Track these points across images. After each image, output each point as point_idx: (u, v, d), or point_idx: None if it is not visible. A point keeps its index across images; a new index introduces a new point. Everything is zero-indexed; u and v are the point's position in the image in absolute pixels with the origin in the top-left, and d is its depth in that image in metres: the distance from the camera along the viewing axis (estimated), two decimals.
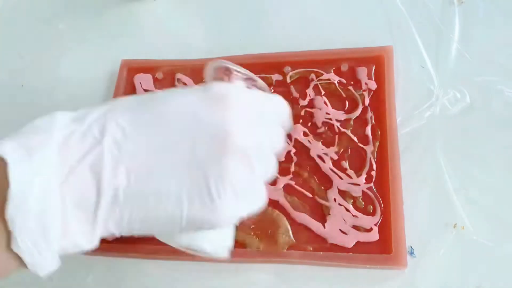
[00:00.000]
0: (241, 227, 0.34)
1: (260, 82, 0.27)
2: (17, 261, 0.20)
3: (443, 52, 0.39)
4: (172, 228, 0.22)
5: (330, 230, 0.33)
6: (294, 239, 0.34)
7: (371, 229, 0.33)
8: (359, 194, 0.34)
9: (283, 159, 0.37)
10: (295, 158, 0.37)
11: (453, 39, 0.39)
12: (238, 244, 0.34)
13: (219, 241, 0.26)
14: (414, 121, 0.37)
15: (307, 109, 0.38)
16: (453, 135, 0.36)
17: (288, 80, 0.40)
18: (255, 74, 0.27)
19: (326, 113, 0.38)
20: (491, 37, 0.39)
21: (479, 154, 0.35)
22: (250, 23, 0.46)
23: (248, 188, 0.23)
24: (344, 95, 0.38)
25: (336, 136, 0.37)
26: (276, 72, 0.40)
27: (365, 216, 0.33)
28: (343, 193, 0.35)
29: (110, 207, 0.21)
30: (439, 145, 0.35)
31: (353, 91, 0.38)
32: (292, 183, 0.36)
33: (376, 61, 0.38)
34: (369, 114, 0.37)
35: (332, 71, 0.39)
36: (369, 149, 0.36)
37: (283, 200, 0.35)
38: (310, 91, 0.39)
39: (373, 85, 0.38)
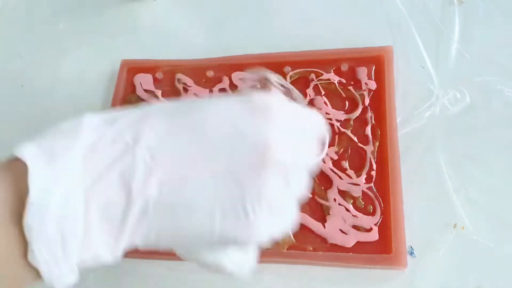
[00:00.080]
0: None
1: (297, 92, 0.26)
2: (33, 273, 0.19)
3: (443, 52, 0.39)
4: (201, 243, 0.21)
5: (330, 230, 0.33)
6: (294, 239, 0.34)
7: (371, 229, 0.33)
8: (359, 194, 0.34)
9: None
10: None
11: (453, 39, 0.39)
12: None
13: (243, 260, 0.25)
14: (414, 121, 0.37)
15: None
16: (453, 135, 0.36)
17: (288, 80, 0.40)
18: None
19: (326, 113, 0.38)
20: (491, 37, 0.39)
21: (479, 154, 0.35)
22: (250, 23, 0.45)
23: (282, 205, 0.21)
24: (344, 95, 0.38)
25: (336, 136, 0.37)
26: (276, 72, 0.40)
27: (365, 216, 0.33)
28: (343, 193, 0.35)
29: (138, 219, 0.20)
30: (439, 145, 0.35)
31: (353, 91, 0.38)
32: None
33: (376, 61, 0.38)
34: (369, 114, 0.37)
35: (332, 71, 0.39)
36: (369, 149, 0.36)
37: None
38: (310, 91, 0.39)
39: (373, 85, 0.38)
